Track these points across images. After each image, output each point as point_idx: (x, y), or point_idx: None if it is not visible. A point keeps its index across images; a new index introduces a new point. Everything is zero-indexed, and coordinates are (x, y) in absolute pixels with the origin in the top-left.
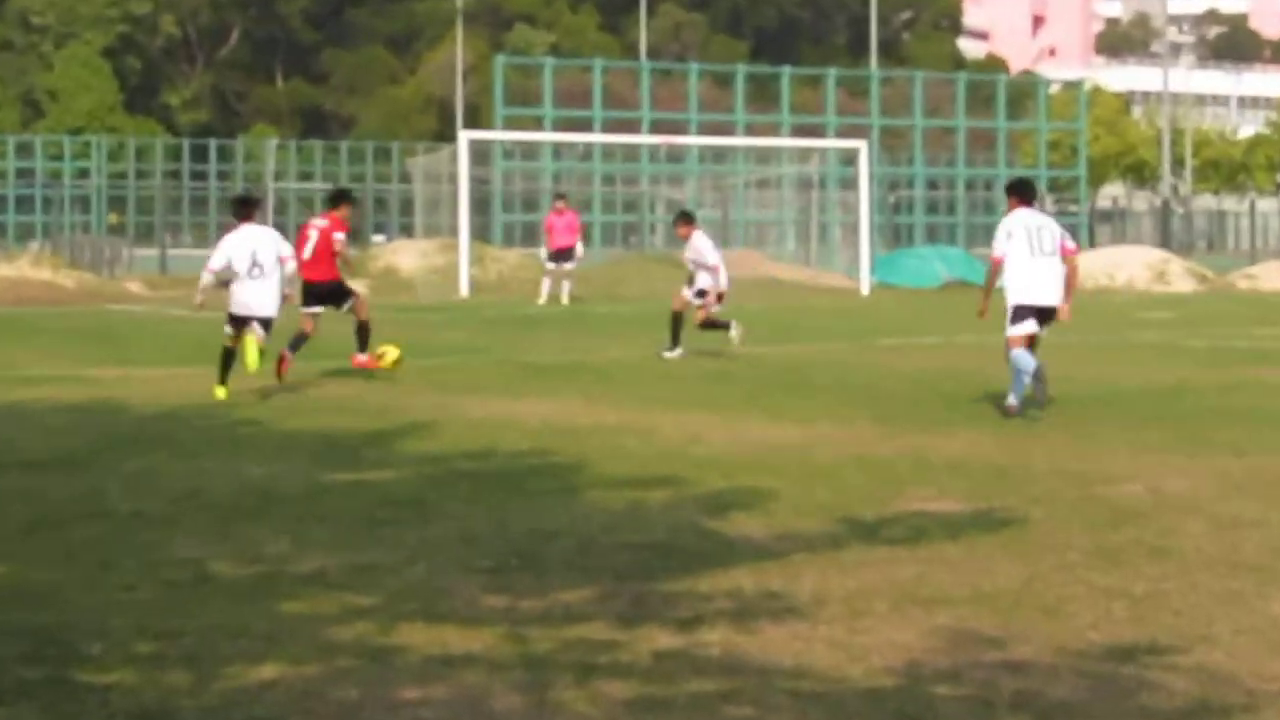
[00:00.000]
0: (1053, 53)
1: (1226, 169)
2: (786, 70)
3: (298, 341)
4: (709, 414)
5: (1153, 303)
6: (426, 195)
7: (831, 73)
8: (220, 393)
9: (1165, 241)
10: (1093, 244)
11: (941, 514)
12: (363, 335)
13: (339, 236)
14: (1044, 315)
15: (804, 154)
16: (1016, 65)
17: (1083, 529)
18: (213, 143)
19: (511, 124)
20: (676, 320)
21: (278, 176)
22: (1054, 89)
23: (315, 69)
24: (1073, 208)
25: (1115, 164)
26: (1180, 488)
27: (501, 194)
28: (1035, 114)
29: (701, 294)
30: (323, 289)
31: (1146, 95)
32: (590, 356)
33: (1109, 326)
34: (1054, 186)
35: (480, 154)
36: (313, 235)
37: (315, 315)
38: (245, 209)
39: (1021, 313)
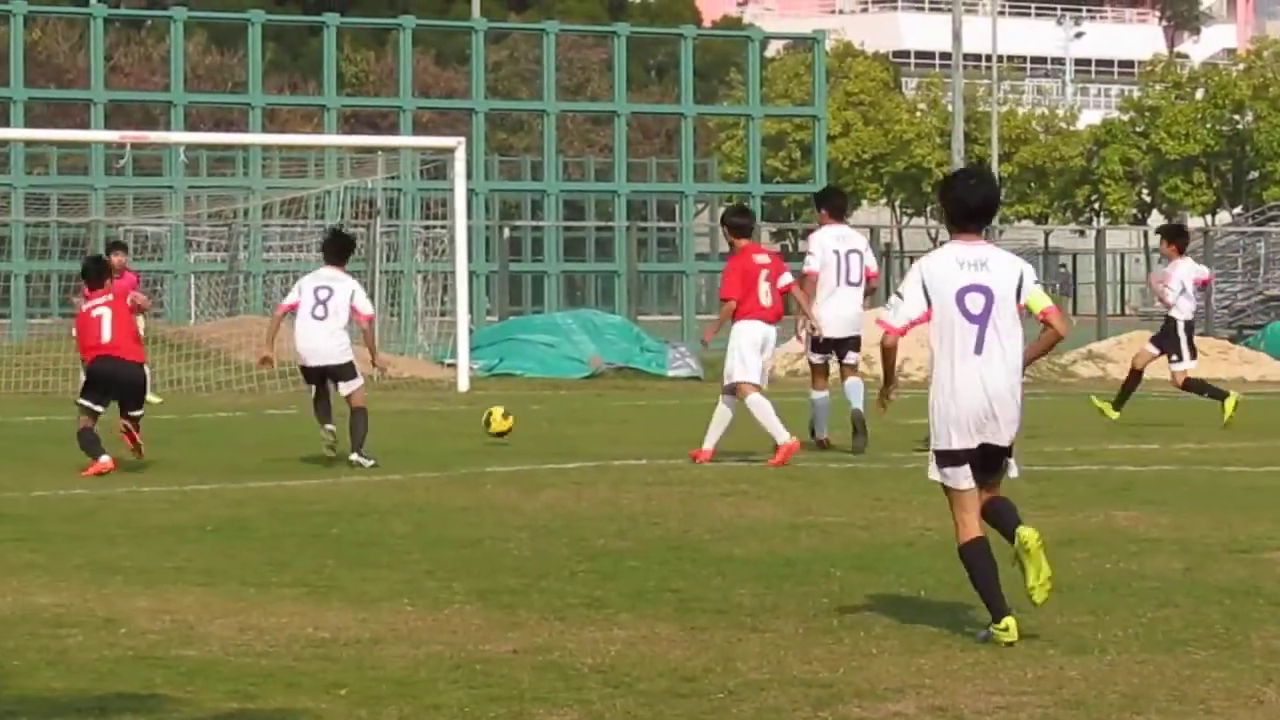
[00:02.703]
0: None
1: (1059, 179)
2: (331, 20)
3: None
4: (209, 591)
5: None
6: None
7: (407, 23)
8: None
9: None
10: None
11: None
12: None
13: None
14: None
15: (361, 159)
16: (712, 9)
17: None
18: None
19: None
20: None
21: None
22: (776, 48)
23: None
24: (804, 245)
25: (875, 171)
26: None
27: None
28: (743, 89)
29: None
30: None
31: (925, 58)
32: (8, 494)
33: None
34: (779, 211)
35: None
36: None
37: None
38: None
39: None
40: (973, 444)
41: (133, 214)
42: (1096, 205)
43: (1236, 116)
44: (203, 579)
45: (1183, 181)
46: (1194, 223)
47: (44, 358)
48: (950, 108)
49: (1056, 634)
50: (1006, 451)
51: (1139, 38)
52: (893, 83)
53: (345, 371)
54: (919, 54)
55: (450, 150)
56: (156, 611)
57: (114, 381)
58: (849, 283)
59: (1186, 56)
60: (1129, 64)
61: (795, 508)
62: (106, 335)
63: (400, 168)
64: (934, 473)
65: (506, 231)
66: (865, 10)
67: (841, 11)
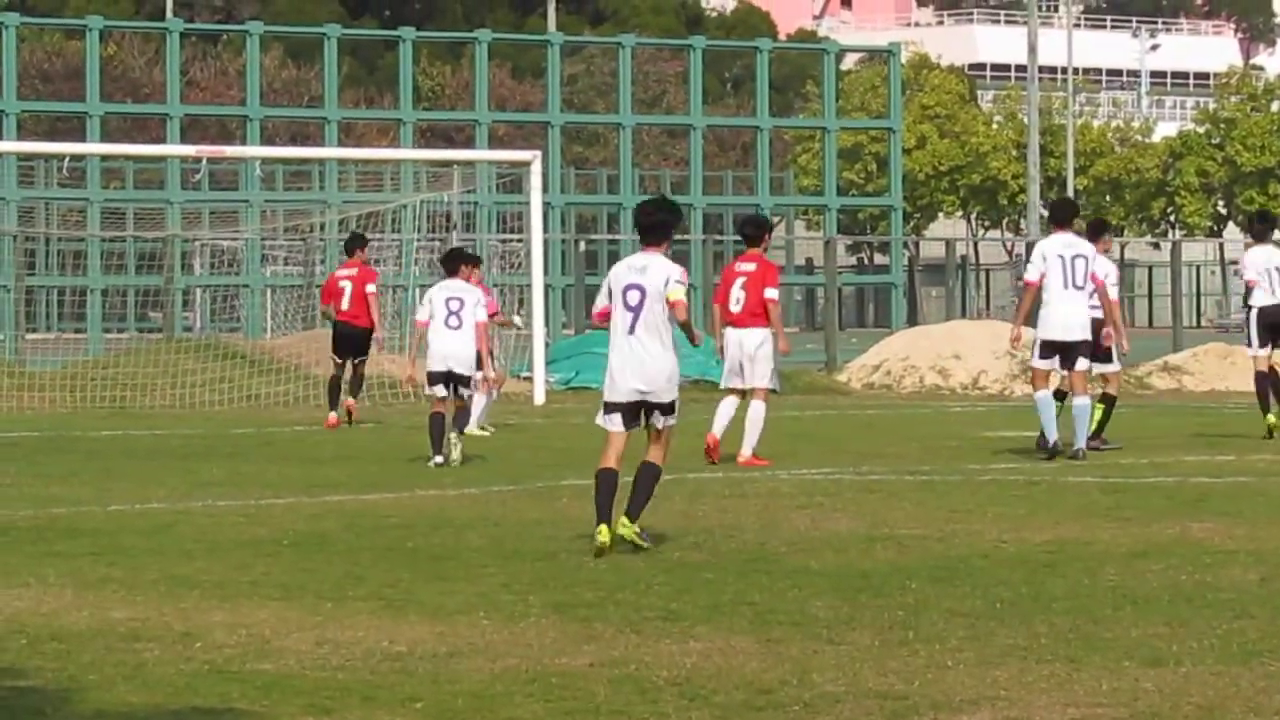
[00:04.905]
0: (848, 2)
1: (1135, 191)
2: (407, 34)
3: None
4: (285, 605)
5: (1012, 415)
6: None
7: (483, 37)
8: None
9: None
10: (914, 316)
11: None
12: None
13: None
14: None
15: (437, 173)
16: (788, 22)
17: None
18: None
19: None
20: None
21: None
22: (852, 61)
23: None
24: (879, 257)
25: (952, 183)
26: None
27: None
28: (819, 102)
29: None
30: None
31: (1000, 70)
32: (85, 509)
33: (941, 453)
34: (855, 224)
35: None
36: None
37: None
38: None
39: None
40: (624, 399)
41: (209, 228)
42: (1172, 217)
43: None
44: (279, 593)
45: (1258, 193)
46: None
47: (121, 372)
48: (1026, 120)
49: (1132, 646)
50: (660, 408)
51: (1214, 50)
52: (968, 95)
53: (468, 380)
54: (995, 66)
55: (526, 164)
56: (233, 625)
57: (348, 340)
58: (1075, 286)
59: (1262, 69)
60: (1204, 76)
61: (871, 520)
62: (345, 304)
63: (476, 181)
64: (599, 419)
65: (582, 245)
66: (941, 23)
67: (917, 24)
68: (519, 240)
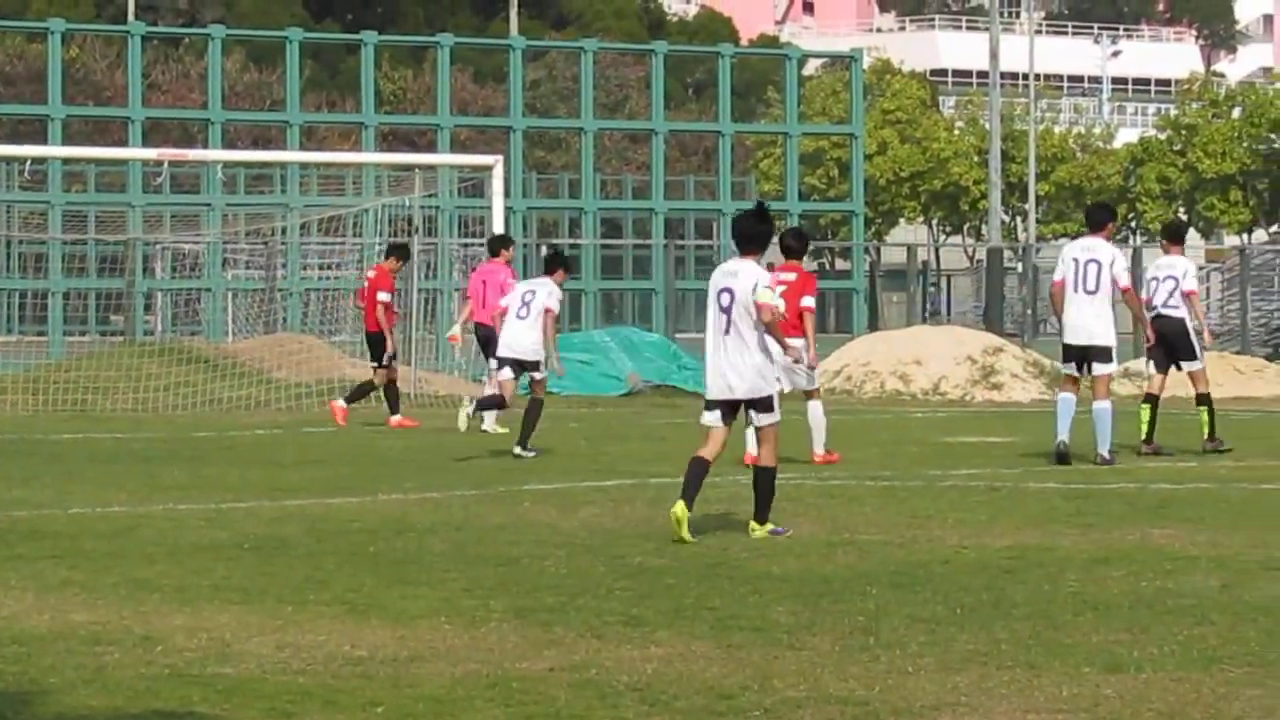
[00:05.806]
0: (810, 8)
1: (1096, 198)
2: (370, 38)
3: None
4: (246, 609)
5: (973, 420)
6: None
7: (445, 41)
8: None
9: (994, 316)
10: (874, 321)
11: None
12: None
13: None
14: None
15: (398, 177)
16: (750, 28)
17: None
18: None
19: None
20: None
21: None
22: (814, 66)
23: None
24: (840, 263)
25: (913, 189)
26: None
27: None
28: (781, 107)
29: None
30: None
31: (962, 76)
32: (46, 512)
33: (902, 458)
34: (816, 229)
35: None
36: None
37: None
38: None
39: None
40: (719, 396)
41: (170, 232)
42: (1133, 224)
43: (1273, 135)
44: (240, 597)
45: (1219, 200)
46: (1230, 241)
47: (82, 375)
48: (988, 126)
49: (1092, 652)
50: (751, 404)
51: (1176, 56)
52: (930, 101)
53: (534, 365)
54: (956, 72)
55: (488, 168)
56: (193, 629)
57: (367, 343)
58: (1086, 290)
59: (1223, 75)
60: (1166, 83)
61: (832, 525)
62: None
63: (438, 185)
64: (702, 417)
65: (544, 249)
66: (903, 28)
67: (879, 30)
68: (481, 244)
